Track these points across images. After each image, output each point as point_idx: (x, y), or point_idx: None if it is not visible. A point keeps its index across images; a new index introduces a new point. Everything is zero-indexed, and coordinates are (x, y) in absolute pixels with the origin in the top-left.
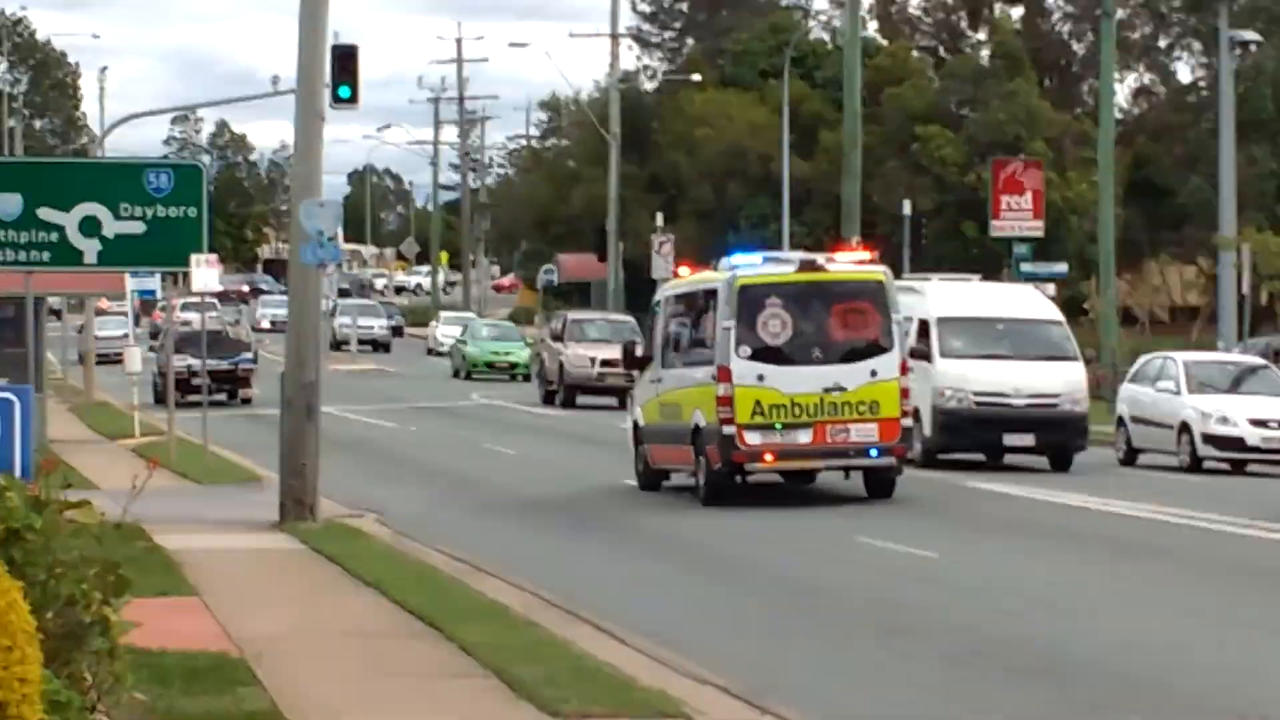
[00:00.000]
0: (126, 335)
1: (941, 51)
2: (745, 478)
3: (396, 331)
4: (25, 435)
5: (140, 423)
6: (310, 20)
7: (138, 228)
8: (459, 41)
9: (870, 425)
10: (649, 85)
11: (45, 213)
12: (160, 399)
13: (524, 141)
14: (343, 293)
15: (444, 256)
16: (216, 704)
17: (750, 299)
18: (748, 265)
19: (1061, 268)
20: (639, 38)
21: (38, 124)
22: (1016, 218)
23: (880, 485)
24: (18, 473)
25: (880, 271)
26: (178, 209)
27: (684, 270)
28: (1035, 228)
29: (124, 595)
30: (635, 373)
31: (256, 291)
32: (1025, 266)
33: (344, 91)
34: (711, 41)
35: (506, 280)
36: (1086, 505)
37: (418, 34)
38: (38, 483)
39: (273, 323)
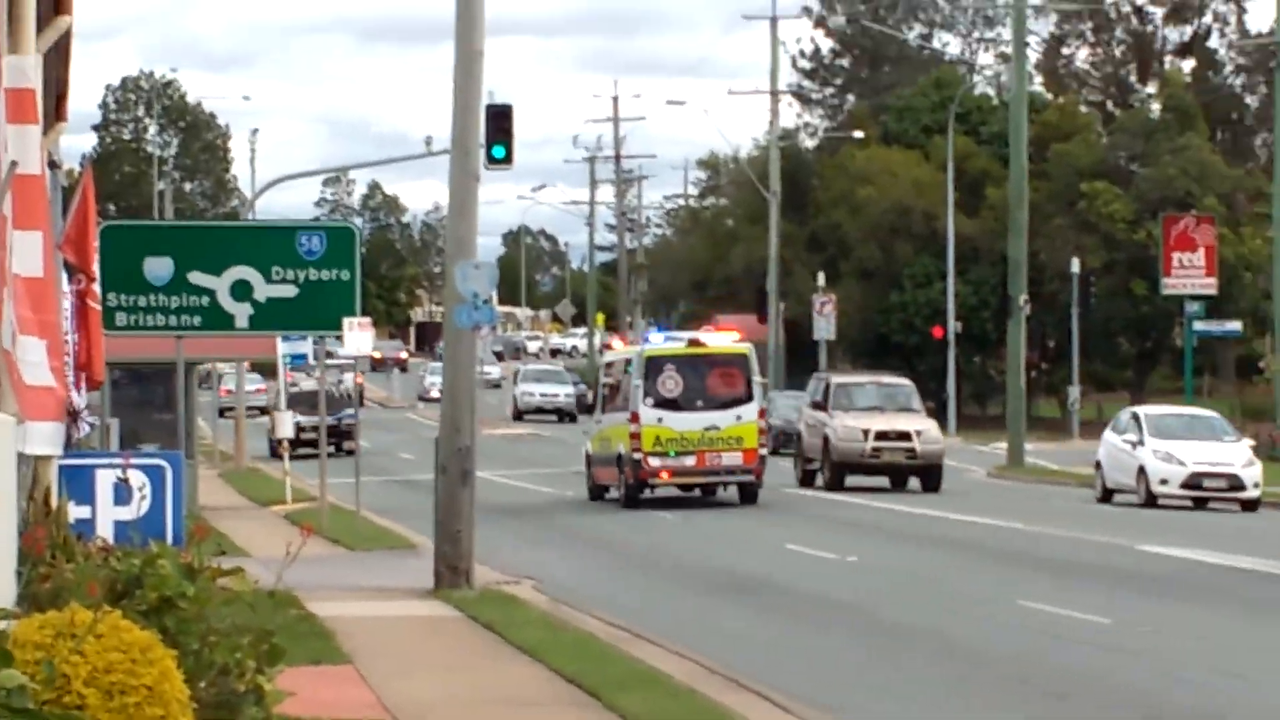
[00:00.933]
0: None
1: (1110, 106)
2: (652, 490)
3: (580, 401)
4: (177, 502)
5: (292, 489)
6: (464, 80)
7: (289, 291)
8: (615, 100)
9: (737, 454)
10: (809, 143)
11: (196, 277)
12: (274, 453)
13: (682, 201)
14: (497, 355)
15: (600, 318)
16: None
17: (654, 365)
18: (653, 342)
19: (1235, 326)
20: (799, 95)
21: (188, 187)
22: (1188, 275)
23: (747, 495)
24: (170, 540)
25: (745, 347)
26: (330, 272)
27: (616, 343)
28: (1208, 285)
29: (278, 664)
30: (585, 416)
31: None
32: (1198, 325)
33: (499, 151)
34: (873, 98)
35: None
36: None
37: (573, 93)
38: (190, 550)
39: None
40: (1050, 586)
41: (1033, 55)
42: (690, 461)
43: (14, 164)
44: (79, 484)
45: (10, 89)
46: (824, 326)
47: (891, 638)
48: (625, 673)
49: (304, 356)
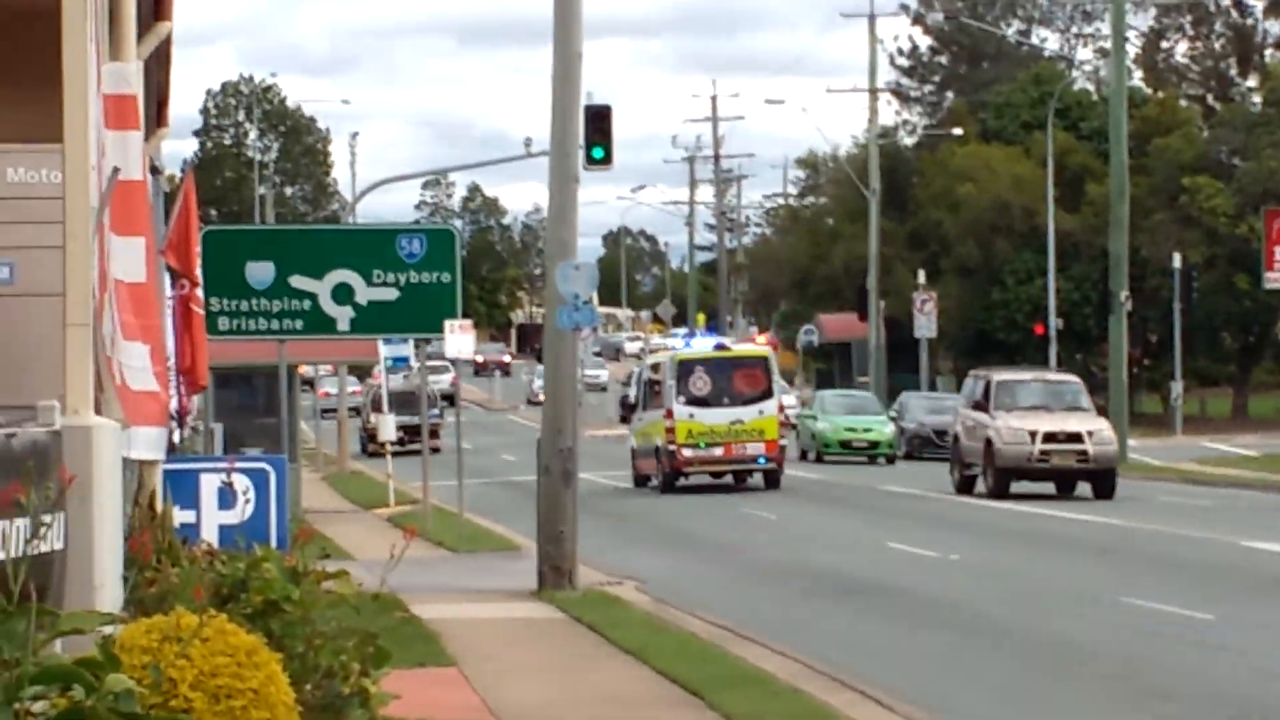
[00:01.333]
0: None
1: (1210, 100)
2: (686, 478)
3: (623, 402)
4: (281, 505)
5: (395, 491)
6: (563, 81)
7: (391, 294)
8: (714, 99)
9: (759, 444)
10: (908, 140)
11: (298, 280)
12: (365, 450)
13: (781, 200)
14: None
15: (701, 318)
16: None
17: (685, 368)
18: (684, 347)
19: None
20: (898, 92)
21: (288, 191)
22: None
23: (771, 481)
24: (274, 544)
25: (765, 350)
26: (431, 274)
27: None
28: None
29: (383, 666)
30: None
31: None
32: None
33: (598, 152)
34: (972, 95)
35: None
36: None
37: (672, 93)
38: (294, 553)
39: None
40: (1153, 583)
41: (1132, 50)
42: (719, 452)
43: (116, 170)
44: (184, 489)
45: (112, 95)
46: (925, 324)
47: (994, 635)
48: (728, 672)
49: (405, 359)
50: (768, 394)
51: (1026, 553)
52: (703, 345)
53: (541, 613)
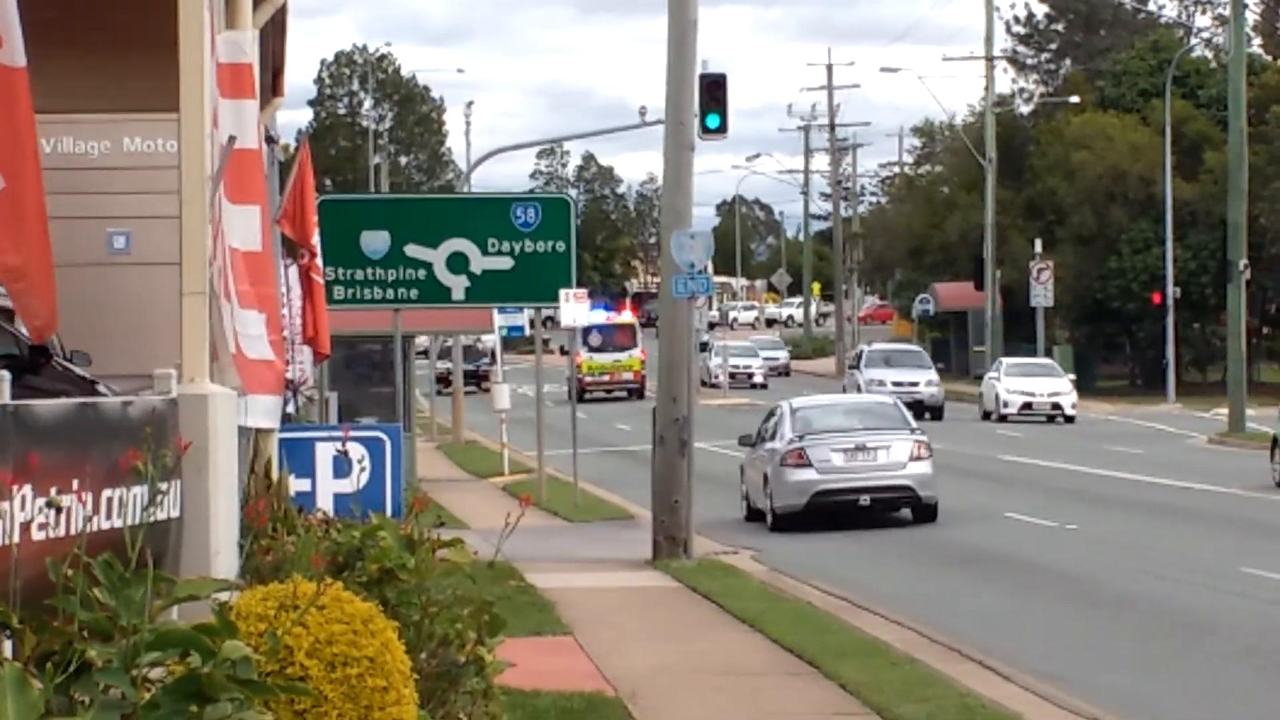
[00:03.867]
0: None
1: None
2: (589, 392)
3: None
4: (396, 474)
5: (510, 460)
6: (678, 50)
7: (505, 263)
8: (829, 68)
9: (629, 373)
10: (1025, 108)
11: (413, 250)
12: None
13: (897, 169)
14: (711, 326)
15: (816, 287)
16: None
17: (586, 330)
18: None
19: None
20: (1014, 60)
21: (403, 160)
22: None
23: (634, 394)
24: (389, 512)
25: (632, 319)
26: (545, 244)
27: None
28: None
29: (498, 634)
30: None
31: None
32: None
33: (713, 121)
34: (1089, 63)
35: (867, 310)
36: None
37: (787, 61)
38: (409, 522)
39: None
40: (1275, 553)
41: (1251, 16)
42: (606, 378)
43: (232, 138)
44: (300, 457)
45: (227, 64)
46: (1041, 293)
47: (1114, 606)
48: (844, 642)
49: (520, 329)
50: (633, 345)
51: (1144, 523)
52: (597, 315)
53: (656, 581)
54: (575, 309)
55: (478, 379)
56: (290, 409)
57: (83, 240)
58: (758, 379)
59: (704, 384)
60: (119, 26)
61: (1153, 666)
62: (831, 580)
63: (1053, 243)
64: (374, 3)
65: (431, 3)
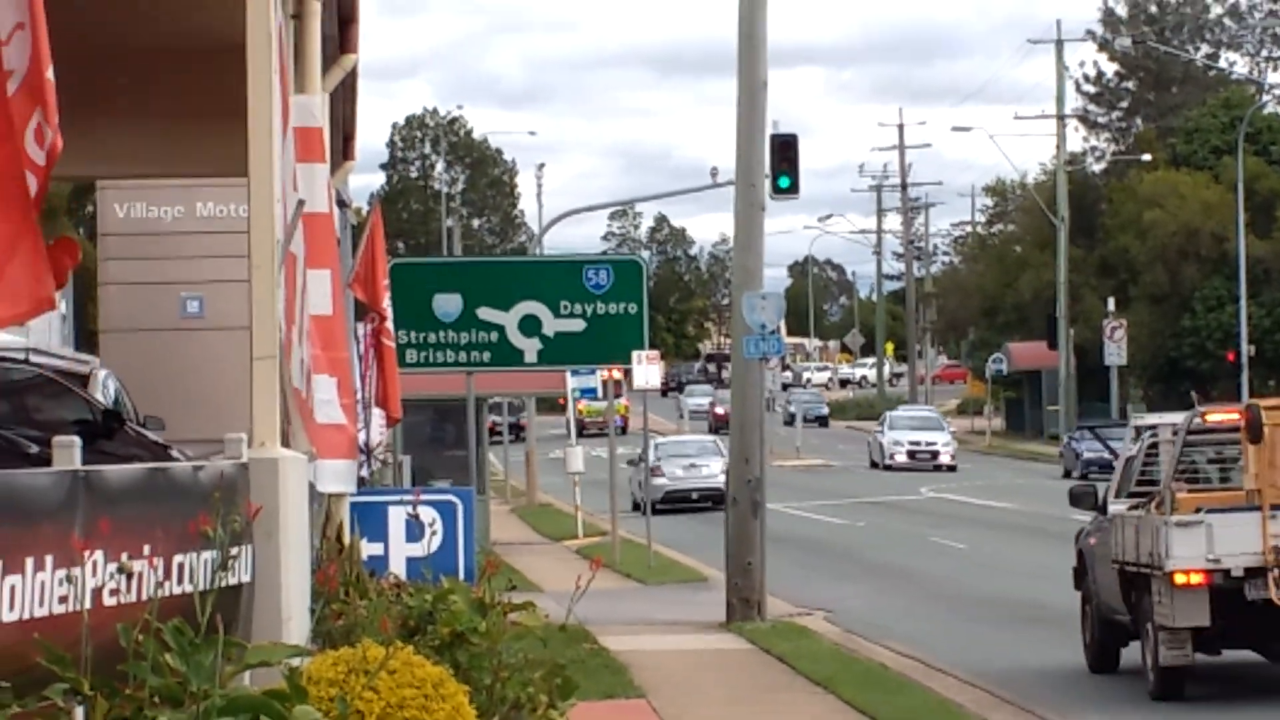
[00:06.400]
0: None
1: None
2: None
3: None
4: (468, 537)
5: (584, 523)
6: (748, 110)
7: (578, 325)
8: (900, 128)
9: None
10: (1096, 166)
11: (485, 312)
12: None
13: (969, 228)
14: (785, 387)
15: (889, 347)
16: None
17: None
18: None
19: None
20: (1085, 118)
21: (475, 223)
22: None
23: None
24: (461, 576)
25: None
26: (618, 305)
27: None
28: None
29: (570, 698)
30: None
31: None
32: None
33: (784, 181)
34: (1160, 120)
35: (938, 370)
36: None
37: (860, 121)
38: (481, 585)
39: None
40: None
41: None
42: (600, 420)
43: (302, 202)
44: (371, 521)
45: (298, 128)
46: (1115, 352)
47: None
48: (917, 703)
49: (594, 390)
50: (620, 395)
51: None
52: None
53: (730, 644)
54: (648, 370)
55: (519, 429)
56: (364, 473)
57: (157, 305)
58: (944, 459)
59: (874, 464)
60: (190, 92)
61: None
62: (904, 641)
63: (1126, 301)
64: (451, 65)
65: (509, 65)
